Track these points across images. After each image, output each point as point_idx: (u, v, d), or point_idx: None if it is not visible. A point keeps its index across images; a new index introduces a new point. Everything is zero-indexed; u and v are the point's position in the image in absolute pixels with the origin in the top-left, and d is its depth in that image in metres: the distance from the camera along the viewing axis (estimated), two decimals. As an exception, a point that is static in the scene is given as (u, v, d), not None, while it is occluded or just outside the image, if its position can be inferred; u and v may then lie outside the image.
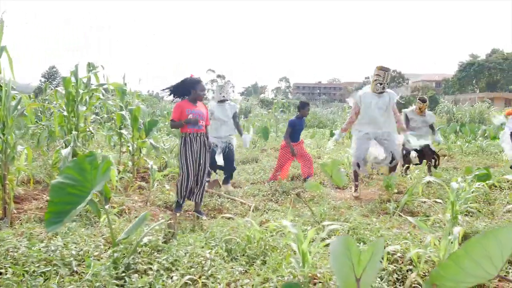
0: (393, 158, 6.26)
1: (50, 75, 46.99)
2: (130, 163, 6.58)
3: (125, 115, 6.49)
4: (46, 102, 10.65)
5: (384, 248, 3.14)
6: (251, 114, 15.50)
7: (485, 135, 14.89)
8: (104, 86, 6.55)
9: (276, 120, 16.23)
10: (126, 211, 4.81)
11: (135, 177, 6.61)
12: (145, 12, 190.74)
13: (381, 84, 6.11)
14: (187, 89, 4.91)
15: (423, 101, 7.80)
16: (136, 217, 4.59)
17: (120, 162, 7.24)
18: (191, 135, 4.83)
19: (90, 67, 7.20)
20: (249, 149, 12.32)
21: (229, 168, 6.94)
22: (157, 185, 5.90)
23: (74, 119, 6.21)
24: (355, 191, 6.20)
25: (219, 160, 6.91)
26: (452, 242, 2.86)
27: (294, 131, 7.18)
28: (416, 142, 7.18)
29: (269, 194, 6.35)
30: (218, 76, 76.72)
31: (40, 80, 45.77)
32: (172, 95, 5.06)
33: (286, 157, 7.22)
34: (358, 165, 6.21)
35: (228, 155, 6.86)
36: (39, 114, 12.18)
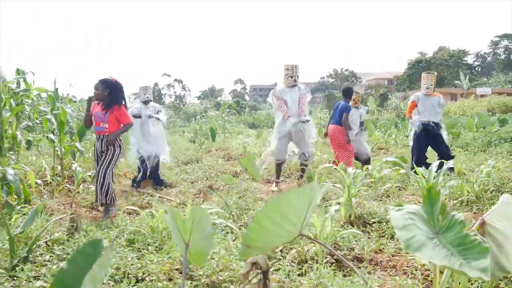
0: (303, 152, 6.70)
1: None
2: (59, 167, 6.62)
3: (51, 119, 6.52)
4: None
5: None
6: (198, 116, 15.58)
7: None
8: (27, 92, 6.53)
9: (223, 121, 16.42)
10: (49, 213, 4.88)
11: (65, 180, 6.65)
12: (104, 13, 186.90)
13: (292, 77, 6.54)
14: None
15: (357, 92, 8.26)
16: (59, 218, 4.69)
17: (54, 167, 7.25)
18: (96, 137, 5.04)
19: (19, 73, 7.22)
20: (195, 150, 12.48)
21: (156, 176, 7.19)
22: (83, 186, 5.98)
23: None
24: (275, 186, 6.56)
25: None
26: (326, 220, 3.14)
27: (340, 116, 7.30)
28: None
29: (200, 191, 6.55)
30: (175, 80, 76.13)
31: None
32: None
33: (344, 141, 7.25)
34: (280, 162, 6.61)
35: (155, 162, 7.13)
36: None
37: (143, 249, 3.27)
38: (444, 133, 7.15)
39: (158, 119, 7.12)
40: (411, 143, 7.31)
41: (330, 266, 2.88)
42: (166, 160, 7.43)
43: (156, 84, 70.67)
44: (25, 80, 7.11)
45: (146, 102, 7.16)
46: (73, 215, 3.53)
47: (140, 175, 7.06)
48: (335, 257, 3.14)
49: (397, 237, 3.59)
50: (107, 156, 4.90)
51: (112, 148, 4.92)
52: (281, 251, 3.19)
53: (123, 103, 5.10)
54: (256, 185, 6.74)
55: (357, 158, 7.74)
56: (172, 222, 1.83)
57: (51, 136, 6.56)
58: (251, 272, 1.73)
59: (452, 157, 6.64)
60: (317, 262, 2.91)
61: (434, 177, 4.11)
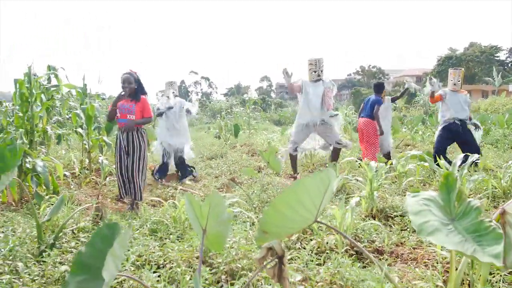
0: (332, 144, 6.72)
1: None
2: (86, 160, 6.79)
3: (80, 114, 6.69)
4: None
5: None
6: (223, 112, 15.68)
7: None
8: (57, 88, 6.71)
9: (248, 117, 16.47)
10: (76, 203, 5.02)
11: (93, 173, 6.82)
12: (125, 12, 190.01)
13: (315, 71, 6.53)
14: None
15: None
16: (85, 207, 4.83)
17: (82, 161, 7.44)
18: (119, 129, 5.02)
19: (50, 69, 7.42)
20: (220, 146, 12.58)
21: (182, 168, 7.27)
22: (110, 179, 6.12)
23: (30, 120, 6.40)
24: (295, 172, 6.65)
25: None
26: (347, 212, 3.14)
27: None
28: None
29: (224, 185, 6.62)
30: (202, 77, 76.73)
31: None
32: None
33: (376, 134, 7.34)
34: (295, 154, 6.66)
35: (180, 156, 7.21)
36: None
37: (165, 238, 3.34)
38: (475, 132, 6.98)
39: (189, 111, 7.23)
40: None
41: (349, 257, 2.87)
42: (189, 154, 7.50)
43: (183, 82, 71.40)
44: (56, 76, 7.31)
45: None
46: (98, 205, 3.63)
47: (159, 166, 7.21)
48: (355, 249, 3.13)
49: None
50: (134, 152, 4.91)
51: (141, 145, 4.96)
52: (301, 242, 3.20)
53: (146, 94, 5.18)
54: (279, 180, 6.76)
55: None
56: (189, 208, 1.87)
57: (80, 130, 6.73)
58: (267, 257, 1.75)
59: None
60: (336, 253, 2.91)
61: (458, 171, 4.03)
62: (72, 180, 6.01)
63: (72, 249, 3.05)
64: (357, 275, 2.34)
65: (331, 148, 6.89)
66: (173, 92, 7.22)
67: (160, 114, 7.07)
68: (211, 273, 2.46)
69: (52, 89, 6.96)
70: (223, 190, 6.26)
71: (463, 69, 7.29)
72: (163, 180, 7.03)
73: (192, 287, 2.33)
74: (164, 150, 7.18)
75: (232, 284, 2.35)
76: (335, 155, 6.92)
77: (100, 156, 6.19)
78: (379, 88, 7.68)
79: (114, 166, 6.40)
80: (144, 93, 5.12)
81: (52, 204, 4.27)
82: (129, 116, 4.95)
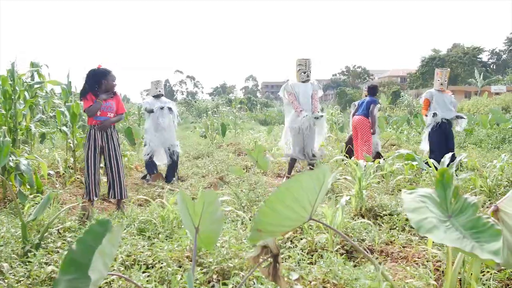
0: (307, 152, 6.68)
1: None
2: (71, 159, 6.68)
3: (64, 112, 6.58)
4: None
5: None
6: (209, 111, 15.62)
7: (436, 125, 15.52)
8: (41, 84, 6.59)
9: (234, 116, 16.43)
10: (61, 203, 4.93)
11: (78, 172, 6.71)
12: (104, 11, 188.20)
13: (304, 72, 6.50)
14: (97, 80, 4.75)
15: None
16: (71, 206, 4.74)
17: (66, 160, 7.31)
18: (95, 127, 4.72)
19: (34, 66, 7.27)
20: (206, 145, 12.52)
21: (172, 168, 7.20)
22: (96, 178, 6.01)
23: (14, 117, 6.27)
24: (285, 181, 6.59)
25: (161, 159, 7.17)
26: (337, 211, 3.13)
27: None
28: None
29: (211, 184, 6.57)
30: (187, 77, 76.39)
31: None
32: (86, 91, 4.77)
33: (370, 132, 7.40)
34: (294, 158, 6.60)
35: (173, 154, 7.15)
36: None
37: (153, 237, 3.29)
38: (460, 122, 7.06)
39: (171, 109, 7.15)
40: (424, 143, 7.17)
41: (340, 256, 2.86)
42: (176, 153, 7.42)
43: (167, 81, 71.00)
44: (39, 73, 7.17)
45: (157, 97, 7.21)
46: (84, 204, 3.56)
47: (145, 164, 7.15)
48: (345, 247, 3.13)
49: (408, 227, 3.58)
50: (115, 150, 4.76)
51: (118, 142, 4.82)
52: (291, 241, 3.18)
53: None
54: (266, 179, 6.73)
55: None
56: (182, 206, 1.83)
57: (64, 128, 6.61)
58: (261, 256, 1.72)
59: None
60: (327, 252, 2.90)
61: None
62: (56, 180, 5.90)
63: (58, 249, 2.99)
64: (350, 274, 2.32)
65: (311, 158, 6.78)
66: (159, 91, 7.16)
67: (150, 111, 7.00)
68: (202, 273, 2.42)
69: (36, 86, 6.83)
70: (209, 189, 6.22)
71: (449, 69, 7.35)
72: (149, 180, 6.96)
73: (184, 286, 2.29)
74: (150, 149, 7.12)
75: (224, 284, 2.31)
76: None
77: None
78: (374, 90, 7.85)
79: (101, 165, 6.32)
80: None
81: (37, 204, 4.19)
82: (109, 114, 4.78)
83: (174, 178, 7.17)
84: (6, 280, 2.39)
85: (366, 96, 7.93)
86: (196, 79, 76.74)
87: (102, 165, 4.99)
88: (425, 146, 7.07)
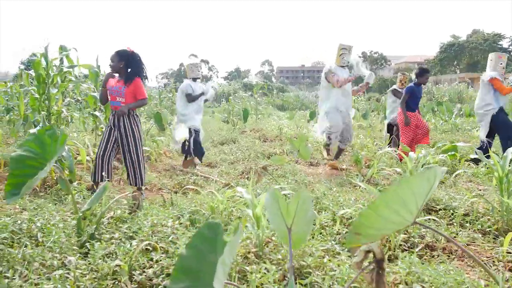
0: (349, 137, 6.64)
1: (30, 62, 46.18)
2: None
3: (97, 97, 6.50)
4: (24, 88, 10.55)
5: (338, 211, 3.29)
6: (231, 97, 15.46)
7: (461, 113, 15.20)
8: (75, 68, 6.52)
9: (256, 102, 16.28)
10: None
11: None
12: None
13: (346, 58, 6.43)
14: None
15: (403, 72, 8.09)
16: (121, 196, 4.68)
17: (95, 144, 7.27)
18: (111, 112, 4.67)
19: (62, 50, 7.19)
20: (228, 131, 12.43)
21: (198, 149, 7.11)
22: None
23: (46, 101, 6.22)
24: (328, 155, 6.48)
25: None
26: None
27: (411, 99, 6.91)
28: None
29: (243, 172, 6.49)
30: (202, 60, 76.08)
31: (19, 67, 44.79)
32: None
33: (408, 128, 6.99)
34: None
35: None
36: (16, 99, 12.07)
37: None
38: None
39: (206, 100, 7.12)
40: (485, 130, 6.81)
41: (410, 255, 2.75)
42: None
43: (181, 65, 70.84)
44: (68, 57, 7.09)
45: (195, 79, 7.10)
46: (135, 193, 3.48)
47: (192, 149, 7.04)
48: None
49: (468, 223, 3.45)
50: (131, 137, 4.56)
51: (134, 129, 4.59)
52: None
53: (142, 76, 4.71)
54: (299, 167, 6.63)
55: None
56: (273, 205, 1.72)
57: (97, 113, 6.55)
58: (364, 261, 1.62)
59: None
60: (403, 250, 2.80)
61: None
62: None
63: (114, 240, 2.91)
64: (435, 277, 2.20)
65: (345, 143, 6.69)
66: (198, 74, 7.06)
67: (193, 99, 6.88)
68: (277, 270, 2.33)
69: (66, 69, 6.76)
70: (243, 177, 6.14)
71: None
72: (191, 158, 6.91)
73: (261, 283, 2.20)
74: (192, 133, 7.00)
75: (302, 285, 2.21)
76: (340, 152, 6.82)
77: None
78: (420, 73, 7.14)
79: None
80: (138, 74, 4.65)
81: (80, 192, 4.14)
82: (118, 99, 4.57)
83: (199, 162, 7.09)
84: (71, 274, 2.32)
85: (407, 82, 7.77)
86: (210, 63, 76.52)
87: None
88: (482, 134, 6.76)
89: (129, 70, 4.64)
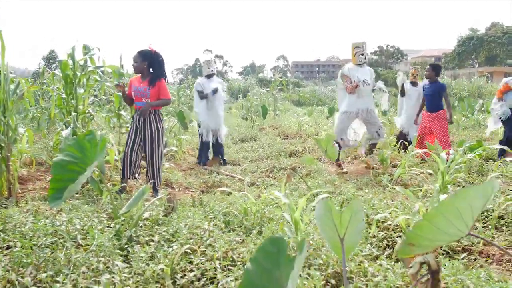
0: (373, 134, 6.54)
1: (49, 59, 46.72)
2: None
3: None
4: (44, 85, 10.72)
5: (374, 216, 3.28)
6: (249, 93, 15.46)
7: (482, 109, 14.98)
8: (101, 69, 6.60)
9: (274, 98, 16.25)
10: (127, 189, 4.94)
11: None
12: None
13: (362, 54, 6.35)
14: None
15: (414, 66, 7.96)
16: (157, 198, 4.75)
17: (120, 143, 7.35)
18: (137, 112, 4.76)
19: (86, 49, 7.26)
20: (247, 127, 12.45)
21: (218, 147, 7.17)
22: (157, 163, 6.01)
23: (72, 101, 6.31)
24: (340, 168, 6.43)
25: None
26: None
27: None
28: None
29: (267, 170, 6.50)
30: (216, 56, 76.24)
31: (39, 64, 45.39)
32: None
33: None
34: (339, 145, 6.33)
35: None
36: (37, 97, 12.27)
37: (243, 233, 3.22)
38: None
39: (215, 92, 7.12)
40: (493, 126, 6.86)
41: (449, 259, 2.74)
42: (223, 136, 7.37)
43: (197, 60, 71.05)
44: (91, 58, 7.16)
45: (209, 76, 7.15)
46: (169, 196, 3.53)
47: (199, 149, 7.15)
48: (443, 249, 3.00)
49: (505, 227, 3.42)
50: (156, 137, 4.69)
51: (158, 129, 4.71)
52: (387, 245, 3.07)
53: (165, 77, 4.81)
54: (324, 166, 6.61)
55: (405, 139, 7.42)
56: (326, 215, 1.74)
57: (122, 113, 6.62)
58: (419, 272, 1.63)
59: None
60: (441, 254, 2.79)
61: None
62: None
63: (152, 243, 2.95)
64: (482, 282, 2.20)
65: (377, 138, 6.64)
66: (211, 71, 7.11)
67: (204, 97, 6.94)
68: (319, 276, 2.34)
69: (89, 69, 6.84)
70: (269, 176, 6.15)
71: None
72: (205, 164, 6.94)
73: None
74: (202, 130, 7.10)
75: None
76: (373, 146, 6.76)
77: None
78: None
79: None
80: (161, 75, 4.75)
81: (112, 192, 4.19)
82: (144, 100, 4.66)
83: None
84: (116, 278, 2.37)
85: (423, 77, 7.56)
86: (224, 58, 76.57)
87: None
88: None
89: (151, 70, 4.74)
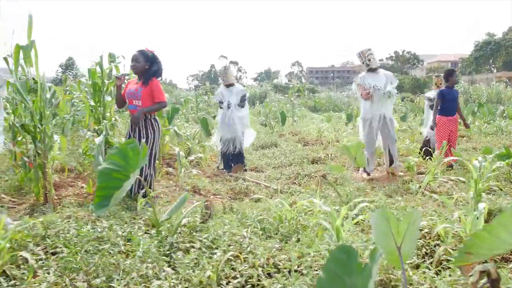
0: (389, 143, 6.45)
1: (67, 66, 47.66)
2: (156, 151, 6.79)
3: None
4: (67, 93, 10.91)
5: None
6: (267, 99, 15.54)
7: (504, 115, 14.81)
8: (127, 77, 6.70)
9: (292, 105, 16.29)
10: (157, 196, 5.01)
11: (161, 163, 6.82)
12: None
13: (374, 59, 6.37)
14: None
15: (437, 75, 7.97)
16: (167, 201, 4.81)
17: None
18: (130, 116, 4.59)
19: (112, 58, 7.39)
20: (266, 134, 12.48)
21: (236, 155, 7.20)
22: (184, 170, 6.10)
23: (100, 108, 6.43)
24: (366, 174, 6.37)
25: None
26: (478, 218, 2.99)
27: (444, 102, 6.84)
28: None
29: (291, 177, 6.52)
30: (231, 62, 76.64)
31: (57, 71, 46.29)
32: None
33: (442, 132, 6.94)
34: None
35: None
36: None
37: (281, 240, 3.26)
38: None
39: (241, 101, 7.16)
40: None
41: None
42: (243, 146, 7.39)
43: (212, 66, 71.51)
44: (116, 66, 7.28)
45: (229, 86, 7.21)
46: (207, 202, 3.58)
47: (221, 159, 7.21)
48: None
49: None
50: (145, 141, 4.43)
51: (149, 134, 4.50)
52: (426, 253, 3.07)
53: (159, 76, 4.65)
54: (350, 174, 6.60)
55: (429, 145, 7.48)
56: (383, 224, 1.76)
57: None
58: (480, 281, 1.65)
59: None
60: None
61: None
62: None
63: (193, 250, 3.00)
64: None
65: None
66: (226, 80, 7.15)
67: (220, 106, 7.07)
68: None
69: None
70: (295, 183, 6.17)
71: None
72: (230, 171, 7.00)
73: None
74: (216, 140, 7.21)
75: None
76: (392, 156, 6.69)
77: (176, 148, 6.15)
78: (449, 74, 7.09)
79: (191, 158, 6.38)
80: (157, 75, 4.58)
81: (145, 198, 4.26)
82: (135, 102, 4.46)
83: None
84: (165, 284, 2.42)
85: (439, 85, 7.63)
86: (239, 64, 76.93)
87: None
88: None
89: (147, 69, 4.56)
